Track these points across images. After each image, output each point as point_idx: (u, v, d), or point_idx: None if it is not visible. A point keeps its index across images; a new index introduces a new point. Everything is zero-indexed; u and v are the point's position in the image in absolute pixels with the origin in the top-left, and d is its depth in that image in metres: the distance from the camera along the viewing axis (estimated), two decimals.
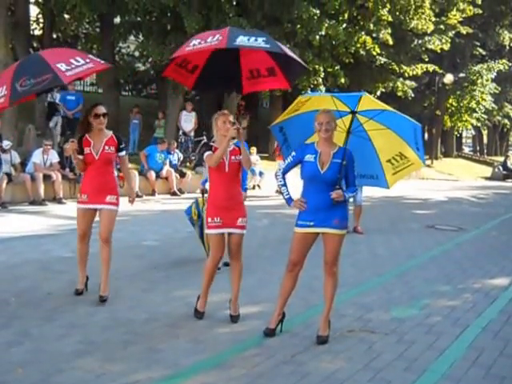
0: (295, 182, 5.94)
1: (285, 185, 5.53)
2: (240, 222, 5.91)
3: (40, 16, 24.28)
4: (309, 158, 5.41)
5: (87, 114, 6.37)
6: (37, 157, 14.48)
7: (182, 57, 6.25)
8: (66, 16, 22.93)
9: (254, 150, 19.94)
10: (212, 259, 5.95)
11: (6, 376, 4.48)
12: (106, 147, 6.38)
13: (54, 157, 14.82)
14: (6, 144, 14.01)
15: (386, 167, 5.85)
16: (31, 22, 23.15)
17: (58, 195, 14.32)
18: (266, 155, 23.83)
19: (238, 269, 6.05)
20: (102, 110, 6.37)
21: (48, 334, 5.43)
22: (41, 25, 24.24)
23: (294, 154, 5.55)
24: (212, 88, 7.21)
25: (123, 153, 6.66)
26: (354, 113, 5.57)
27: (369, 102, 5.52)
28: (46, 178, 14.19)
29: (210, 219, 5.89)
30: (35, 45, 23.12)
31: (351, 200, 5.78)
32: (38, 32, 24.40)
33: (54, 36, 25.54)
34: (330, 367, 4.97)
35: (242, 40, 5.72)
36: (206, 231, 6.03)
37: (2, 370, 4.57)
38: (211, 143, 6.00)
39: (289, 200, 5.48)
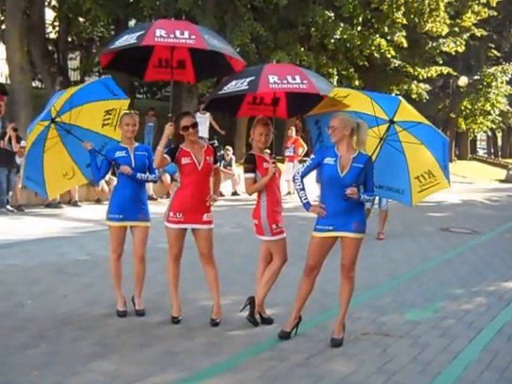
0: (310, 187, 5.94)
1: (303, 189, 5.44)
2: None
3: (55, 19, 24.44)
4: (328, 160, 5.34)
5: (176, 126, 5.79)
6: None
7: None
8: (81, 19, 23.05)
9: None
10: (282, 262, 5.83)
11: (22, 378, 4.52)
12: (207, 157, 5.84)
13: None
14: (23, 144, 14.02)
15: (413, 184, 5.75)
16: (47, 26, 23.30)
17: (73, 198, 14.35)
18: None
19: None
20: (189, 120, 5.77)
21: (64, 336, 5.48)
22: (56, 28, 24.39)
23: (312, 156, 5.51)
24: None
25: (217, 164, 6.18)
26: (392, 122, 5.50)
27: (406, 112, 5.47)
28: None
29: (274, 226, 5.72)
30: (50, 48, 23.26)
31: (376, 206, 5.67)
32: (53, 35, 24.55)
33: (70, 39, 25.69)
34: (344, 370, 4.97)
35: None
36: (273, 238, 5.76)
37: (18, 373, 4.61)
38: (252, 152, 5.85)
39: (306, 205, 5.42)
